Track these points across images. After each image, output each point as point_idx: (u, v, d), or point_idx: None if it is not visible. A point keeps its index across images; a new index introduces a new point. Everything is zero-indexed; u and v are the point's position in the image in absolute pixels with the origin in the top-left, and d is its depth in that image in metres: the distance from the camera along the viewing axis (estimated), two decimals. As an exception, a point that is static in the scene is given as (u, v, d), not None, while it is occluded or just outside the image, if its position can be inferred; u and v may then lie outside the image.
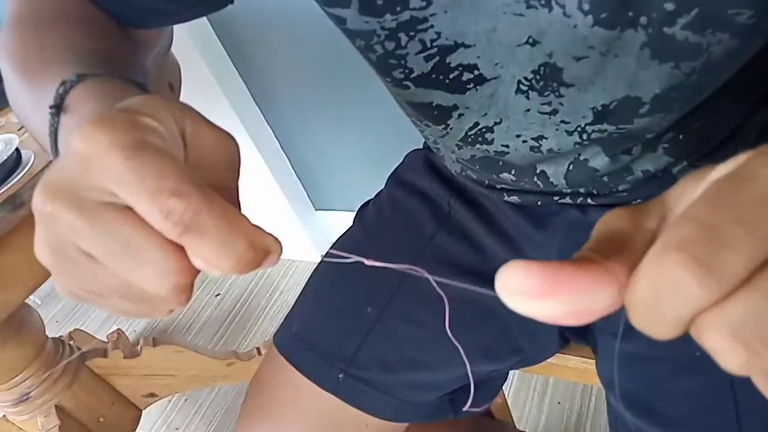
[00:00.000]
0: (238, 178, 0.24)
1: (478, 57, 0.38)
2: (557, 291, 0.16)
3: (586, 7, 0.32)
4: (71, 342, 1.05)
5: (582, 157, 0.44)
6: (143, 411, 1.13)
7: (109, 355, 1.04)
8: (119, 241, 0.20)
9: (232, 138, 0.24)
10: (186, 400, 1.31)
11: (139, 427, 1.11)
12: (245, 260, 0.21)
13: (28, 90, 0.35)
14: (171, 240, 0.20)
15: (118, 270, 0.21)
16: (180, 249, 0.21)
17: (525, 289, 0.16)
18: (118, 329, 1.18)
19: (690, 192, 0.18)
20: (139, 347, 1.07)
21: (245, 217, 0.21)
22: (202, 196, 0.20)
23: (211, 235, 0.20)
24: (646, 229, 0.18)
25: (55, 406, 0.96)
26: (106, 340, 1.11)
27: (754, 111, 0.44)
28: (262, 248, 0.21)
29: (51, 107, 0.29)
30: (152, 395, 1.12)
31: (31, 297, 1.69)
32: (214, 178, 0.23)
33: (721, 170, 0.17)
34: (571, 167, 0.45)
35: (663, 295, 0.15)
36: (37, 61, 0.35)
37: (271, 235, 0.22)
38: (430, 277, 0.24)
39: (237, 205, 0.24)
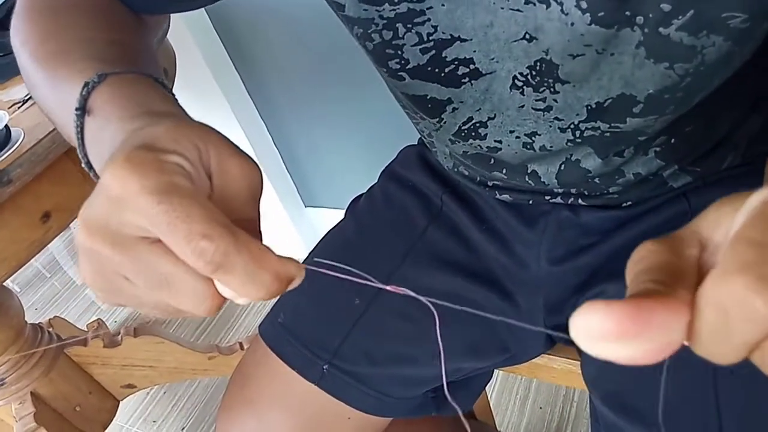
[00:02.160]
0: (259, 207, 0.26)
1: (474, 51, 0.38)
2: (641, 330, 0.16)
3: (584, 5, 0.33)
4: (50, 329, 1.04)
5: (574, 158, 0.44)
6: (121, 402, 1.11)
7: (88, 343, 1.03)
8: (155, 272, 0.22)
9: (256, 167, 0.25)
10: (165, 392, 1.29)
11: (115, 418, 1.10)
12: (271, 291, 0.23)
13: (48, 81, 0.35)
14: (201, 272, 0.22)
15: (156, 296, 0.23)
16: (210, 279, 0.23)
17: (606, 332, 0.16)
18: (99, 319, 1.17)
19: (725, 220, 0.18)
20: (119, 337, 1.06)
21: (269, 250, 0.23)
22: (230, 235, 0.22)
23: (239, 272, 0.22)
24: (689, 257, 0.18)
25: (31, 393, 0.94)
26: (86, 329, 1.10)
27: (745, 118, 0.45)
28: (286, 277, 0.23)
29: (76, 109, 0.30)
30: (131, 386, 1.10)
31: (11, 284, 1.66)
32: (238, 209, 0.25)
33: (763, 194, 0.17)
34: (562, 167, 0.45)
35: (730, 318, 0.15)
36: (56, 52, 0.36)
37: (294, 261, 0.23)
38: (425, 300, 0.25)
39: (258, 233, 0.26)
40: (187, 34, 1.09)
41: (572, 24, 0.34)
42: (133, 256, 0.22)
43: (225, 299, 0.24)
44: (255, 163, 0.25)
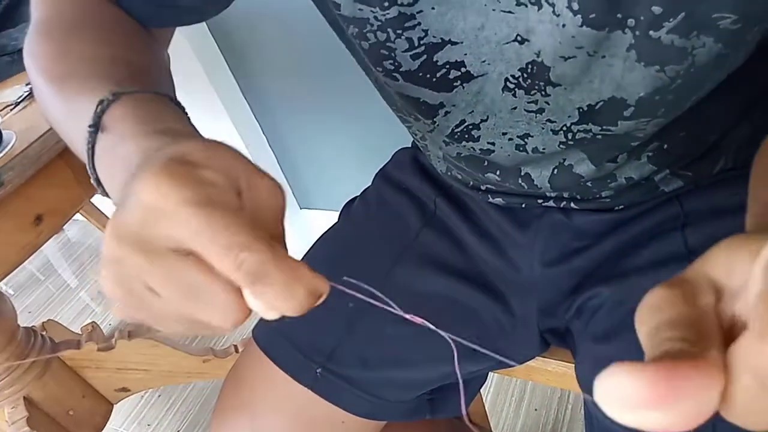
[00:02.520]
0: (284, 225, 0.26)
1: (466, 54, 0.38)
2: (676, 397, 0.14)
3: (575, 6, 0.33)
4: (44, 333, 1.03)
5: (567, 163, 0.44)
6: (115, 405, 1.10)
7: (82, 347, 1.02)
8: (186, 284, 0.22)
9: (281, 188, 0.26)
10: (159, 395, 1.28)
11: (109, 422, 1.09)
12: (304, 305, 0.23)
13: (57, 96, 0.35)
14: (232, 284, 0.22)
15: (182, 308, 0.23)
16: (239, 291, 0.23)
17: (639, 399, 0.14)
18: (93, 322, 1.16)
19: (739, 265, 0.17)
20: (113, 340, 1.05)
21: (304, 265, 0.23)
22: (269, 248, 0.22)
23: (276, 284, 0.22)
24: (706, 306, 0.17)
25: (24, 397, 0.93)
26: (80, 332, 1.09)
27: (735, 123, 0.45)
28: (318, 293, 0.23)
29: (89, 126, 0.30)
30: (125, 390, 1.10)
31: (4, 287, 1.65)
32: (265, 227, 0.24)
33: None
34: (555, 171, 0.45)
35: None
36: (66, 71, 0.36)
37: (322, 277, 0.24)
38: (446, 336, 0.25)
39: (285, 249, 0.25)
40: (180, 34, 1.09)
41: (564, 26, 0.34)
42: (164, 266, 0.22)
43: (250, 312, 0.24)
44: (280, 184, 0.26)
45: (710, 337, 0.16)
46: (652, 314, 0.17)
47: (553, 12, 0.33)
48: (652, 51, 0.34)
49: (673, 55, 0.34)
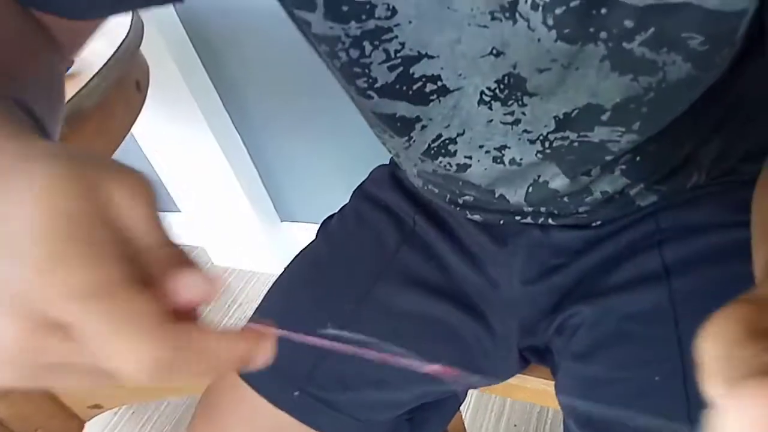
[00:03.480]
0: (161, 224, 0.22)
1: (442, 68, 0.38)
2: None
3: (550, 22, 0.33)
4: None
5: (542, 179, 0.44)
6: (87, 423, 1.07)
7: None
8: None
9: (139, 175, 0.22)
10: (133, 412, 1.25)
11: (81, 439, 1.06)
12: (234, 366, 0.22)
13: None
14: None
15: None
16: None
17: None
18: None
19: None
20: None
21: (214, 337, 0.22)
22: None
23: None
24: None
25: (-10, 415, 0.90)
26: (51, 347, 1.06)
27: (707, 139, 0.46)
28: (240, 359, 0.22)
29: None
30: (97, 406, 1.07)
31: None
32: (147, 237, 0.21)
33: None
34: (530, 189, 0.45)
35: None
36: None
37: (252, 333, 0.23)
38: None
39: (184, 261, 0.23)
40: (162, 46, 1.08)
41: (539, 40, 0.34)
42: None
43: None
44: (137, 172, 0.22)
45: None
46: (724, 331, 0.16)
47: (528, 26, 0.34)
48: (625, 61, 0.35)
49: (645, 66, 0.35)
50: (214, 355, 0.21)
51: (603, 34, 0.33)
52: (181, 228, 1.58)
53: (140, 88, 0.80)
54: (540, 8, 0.33)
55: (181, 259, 0.22)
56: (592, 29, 0.33)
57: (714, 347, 0.16)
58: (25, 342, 0.19)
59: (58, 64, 0.37)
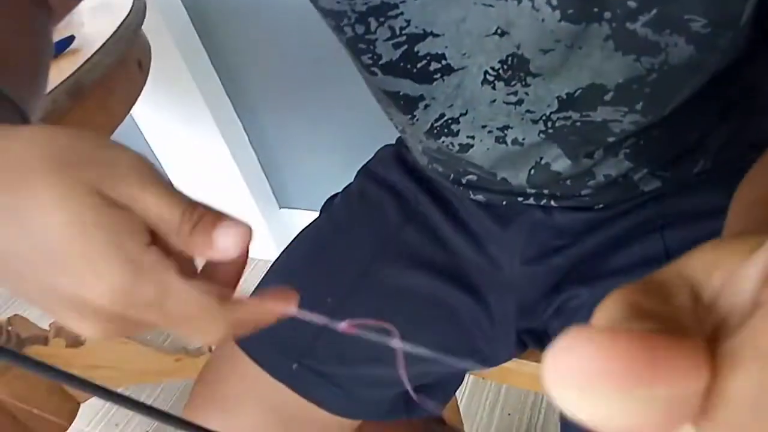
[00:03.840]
0: (161, 184, 0.24)
1: (446, 47, 0.38)
2: (653, 375, 0.10)
3: (554, 2, 0.33)
4: (10, 328, 1.00)
5: (543, 161, 0.45)
6: (82, 404, 1.07)
7: (49, 343, 0.99)
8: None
9: (137, 159, 0.24)
10: (129, 394, 1.25)
11: (76, 420, 1.06)
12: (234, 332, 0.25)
13: None
14: None
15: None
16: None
17: (600, 369, 0.10)
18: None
19: (721, 269, 0.14)
20: (82, 336, 1.03)
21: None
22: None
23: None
24: (681, 307, 0.14)
25: (-13, 393, 0.90)
26: (48, 328, 1.06)
27: (715, 125, 0.46)
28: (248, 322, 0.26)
29: None
30: (93, 388, 1.07)
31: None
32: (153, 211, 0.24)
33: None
34: (532, 172, 0.45)
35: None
36: None
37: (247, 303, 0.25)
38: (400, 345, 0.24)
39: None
40: (163, 29, 1.08)
41: (543, 20, 0.34)
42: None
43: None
44: (129, 150, 0.24)
45: (690, 331, 0.13)
46: (615, 308, 0.13)
47: (533, 7, 0.34)
48: (628, 40, 0.35)
49: (648, 47, 0.35)
50: (256, 318, 0.25)
51: (607, 14, 0.34)
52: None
53: (142, 67, 0.79)
54: None
55: (201, 228, 0.24)
56: (596, 9, 0.33)
57: (601, 316, 0.13)
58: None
59: (43, 17, 0.39)
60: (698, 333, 0.12)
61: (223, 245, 0.24)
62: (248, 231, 0.24)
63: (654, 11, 0.33)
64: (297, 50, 1.06)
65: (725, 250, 0.14)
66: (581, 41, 0.35)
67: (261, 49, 1.10)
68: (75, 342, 1.02)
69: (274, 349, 0.50)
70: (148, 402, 1.14)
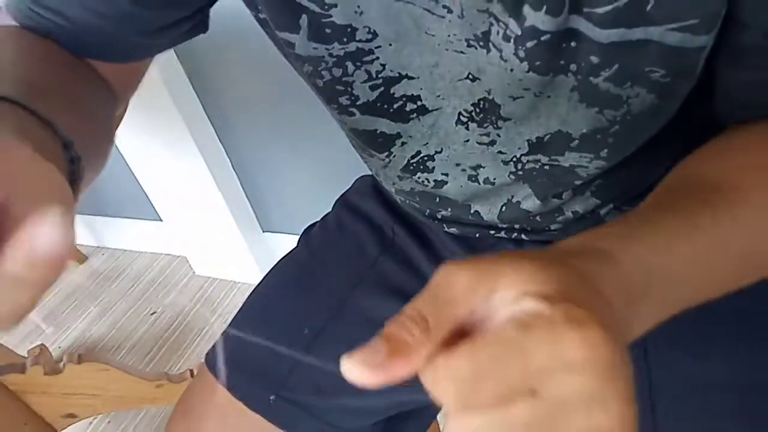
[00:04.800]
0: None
1: (421, 89, 0.39)
2: (384, 378, 0.21)
3: (522, 54, 0.34)
4: (-14, 355, 0.99)
5: (515, 200, 0.46)
6: (60, 432, 1.06)
7: (27, 371, 0.98)
8: None
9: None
10: (109, 422, 1.23)
11: (54, 449, 1.04)
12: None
13: None
14: None
15: None
16: None
17: (361, 378, 0.21)
18: (42, 344, 1.11)
19: (507, 296, 0.21)
20: (62, 364, 1.01)
21: None
22: None
23: None
24: (474, 304, 0.22)
25: (-39, 423, 0.88)
26: (26, 355, 1.05)
27: (680, 160, 0.47)
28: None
29: None
30: (72, 416, 1.05)
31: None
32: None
33: (526, 307, 0.21)
34: (503, 209, 0.47)
35: (435, 391, 0.21)
36: None
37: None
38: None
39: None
40: (147, 56, 1.08)
41: (511, 70, 0.36)
42: None
43: None
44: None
45: (443, 325, 0.21)
46: (438, 277, 0.23)
47: (501, 57, 0.35)
48: (591, 94, 0.36)
49: (609, 100, 0.36)
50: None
51: (573, 66, 0.35)
52: (162, 237, 1.57)
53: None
54: (512, 40, 0.34)
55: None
56: (562, 61, 0.35)
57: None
58: None
59: (104, 98, 0.42)
60: (444, 329, 0.22)
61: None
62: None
63: (615, 66, 0.34)
64: (280, 76, 1.07)
65: (522, 279, 0.21)
66: (549, 90, 0.37)
67: (243, 75, 1.11)
68: (53, 370, 1.00)
69: (251, 381, 0.51)
70: (128, 430, 1.12)
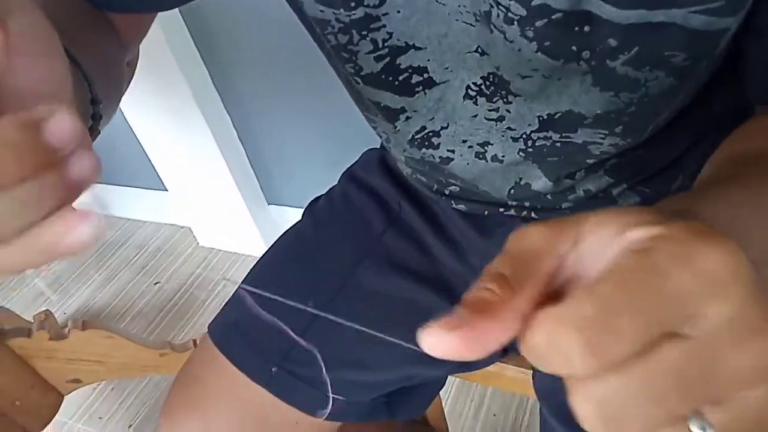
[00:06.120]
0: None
1: (429, 60, 0.38)
2: (476, 348, 0.17)
3: (530, 34, 0.33)
4: (-8, 319, 0.99)
5: (524, 181, 0.45)
6: (65, 396, 1.07)
7: (33, 335, 0.99)
8: None
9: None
10: (113, 388, 1.25)
11: (59, 413, 1.06)
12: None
13: None
14: None
15: None
16: None
17: (448, 351, 0.17)
18: (47, 310, 1.12)
19: (603, 238, 0.18)
20: (67, 329, 1.02)
21: None
22: None
23: None
24: (557, 253, 0.19)
25: (-33, 386, 0.90)
26: (32, 320, 1.05)
27: (697, 143, 0.46)
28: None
29: None
30: (77, 381, 1.06)
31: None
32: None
33: (635, 236, 0.17)
34: (512, 191, 0.46)
35: (551, 352, 0.17)
36: None
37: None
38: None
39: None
40: (153, 25, 1.06)
41: (519, 50, 0.34)
42: None
43: None
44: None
45: (533, 280, 0.18)
46: (512, 240, 0.19)
47: (505, 38, 0.34)
48: (607, 78, 0.35)
49: (627, 84, 0.35)
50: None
51: (586, 54, 0.34)
52: (167, 207, 1.57)
53: (129, 64, 0.78)
54: (515, 22, 0.33)
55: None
56: (574, 47, 0.33)
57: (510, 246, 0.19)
58: None
59: (116, 44, 0.40)
60: (537, 287, 0.18)
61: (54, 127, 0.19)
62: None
63: (635, 49, 0.33)
64: (288, 47, 1.05)
65: (608, 221, 0.18)
66: (559, 74, 0.35)
67: (252, 46, 1.10)
68: (58, 335, 1.01)
69: (253, 353, 0.50)
70: (132, 396, 1.13)
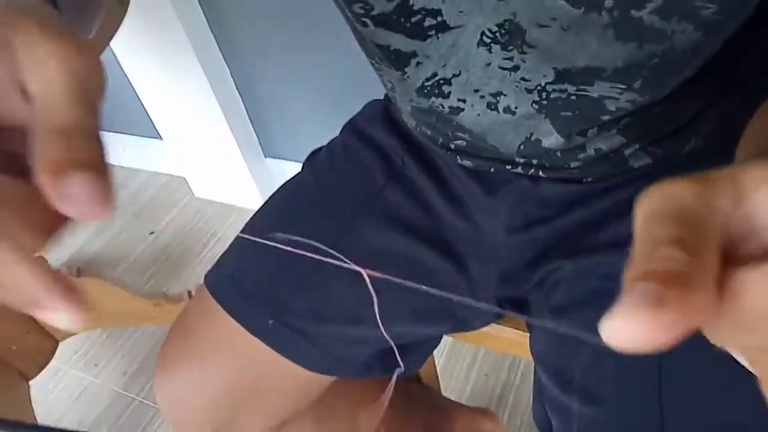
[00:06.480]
0: (91, 109, 0.20)
1: (443, 2, 0.36)
2: (672, 331, 0.15)
3: None
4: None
5: (534, 137, 0.43)
6: (61, 342, 1.08)
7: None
8: None
9: (85, 55, 0.19)
10: (108, 336, 1.26)
11: (55, 359, 1.06)
12: None
13: None
14: None
15: None
16: None
17: (641, 340, 0.15)
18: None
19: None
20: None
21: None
22: None
23: None
24: (718, 210, 0.16)
25: (-38, 329, 0.90)
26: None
27: (711, 104, 0.44)
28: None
29: None
30: (71, 328, 1.07)
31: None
32: (56, 113, 0.19)
33: None
34: (522, 147, 0.44)
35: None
36: None
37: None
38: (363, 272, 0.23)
39: (95, 143, 0.19)
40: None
41: None
42: None
43: None
44: (82, 48, 0.20)
45: (709, 244, 0.16)
46: (657, 202, 0.17)
47: None
48: (631, 29, 0.33)
49: (652, 35, 0.33)
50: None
51: (609, 3, 0.32)
52: (161, 156, 1.54)
53: (123, 3, 0.75)
54: None
55: (86, 157, 0.19)
56: None
57: (643, 206, 0.17)
58: None
59: None
60: (716, 246, 0.16)
61: (72, 190, 0.18)
62: (101, 198, 0.19)
63: None
64: (290, -6, 1.01)
65: None
66: (577, 27, 0.34)
67: (252, -9, 1.06)
68: (52, 282, 1.01)
69: (250, 305, 0.50)
70: (127, 345, 1.14)
